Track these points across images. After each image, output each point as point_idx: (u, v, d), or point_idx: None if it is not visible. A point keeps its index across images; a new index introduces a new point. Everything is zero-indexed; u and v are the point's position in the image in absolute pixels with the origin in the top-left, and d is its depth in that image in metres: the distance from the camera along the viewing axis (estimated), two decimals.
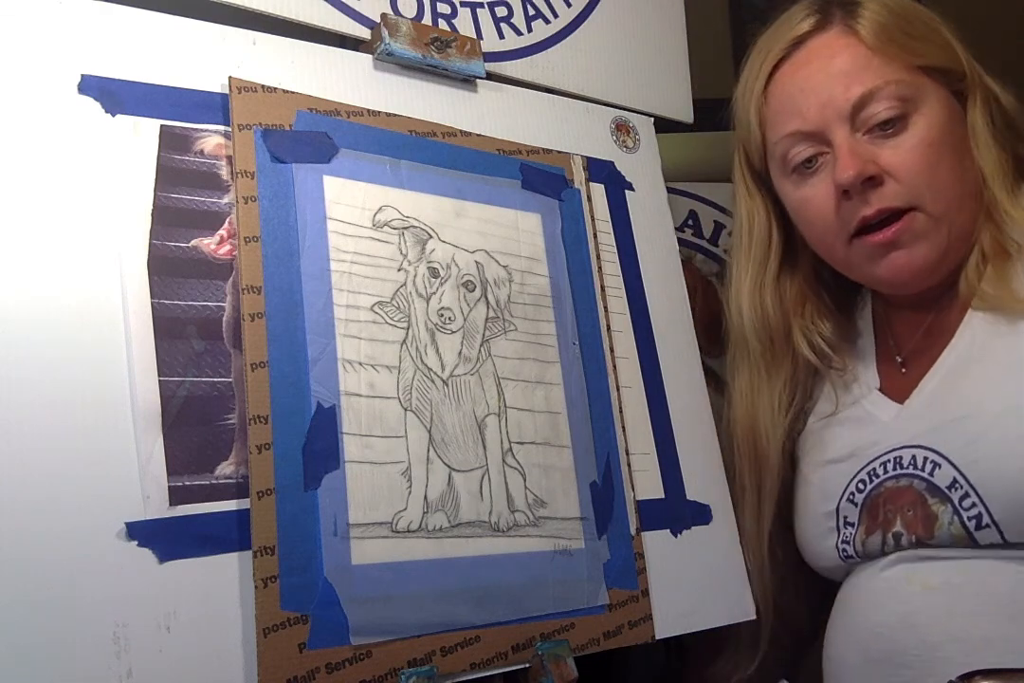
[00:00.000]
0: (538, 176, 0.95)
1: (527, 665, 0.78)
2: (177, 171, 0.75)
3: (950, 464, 0.83)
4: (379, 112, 0.87)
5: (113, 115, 0.74)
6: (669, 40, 1.14)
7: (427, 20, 0.94)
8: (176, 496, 0.68)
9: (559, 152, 0.98)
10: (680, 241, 1.11)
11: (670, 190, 1.10)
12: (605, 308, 0.95)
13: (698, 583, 0.92)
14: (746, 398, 1.01)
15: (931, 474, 0.84)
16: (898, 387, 0.93)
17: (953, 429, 0.84)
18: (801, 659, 1.07)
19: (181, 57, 0.78)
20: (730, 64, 1.76)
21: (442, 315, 0.83)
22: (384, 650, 0.71)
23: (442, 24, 0.95)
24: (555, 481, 0.85)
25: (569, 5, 1.06)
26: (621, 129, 1.06)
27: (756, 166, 0.99)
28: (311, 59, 0.85)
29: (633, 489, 0.90)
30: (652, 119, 1.10)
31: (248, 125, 0.78)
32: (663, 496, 0.93)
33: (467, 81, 0.95)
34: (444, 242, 0.86)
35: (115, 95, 0.74)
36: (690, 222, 1.39)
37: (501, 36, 1.00)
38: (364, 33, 0.89)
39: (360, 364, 0.77)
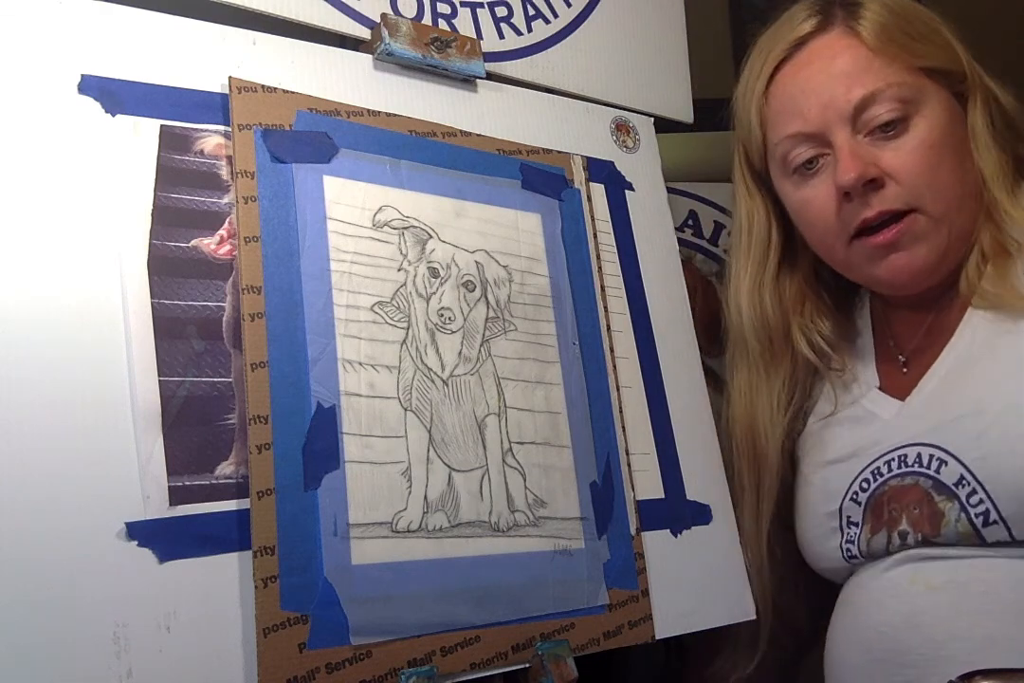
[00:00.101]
0: (538, 176, 0.95)
1: (527, 665, 0.78)
2: (177, 171, 0.75)
3: (957, 461, 0.83)
4: (379, 112, 0.87)
5: (113, 115, 0.74)
6: (669, 40, 1.14)
7: (427, 20, 0.94)
8: (176, 496, 0.68)
9: (559, 152, 0.98)
10: (680, 241, 1.11)
11: (670, 190, 1.10)
12: (605, 308, 0.95)
13: (698, 583, 0.92)
14: (745, 397, 1.01)
15: (937, 471, 0.84)
16: (898, 386, 0.93)
17: (958, 426, 0.84)
18: (801, 659, 1.07)
19: (181, 57, 0.78)
20: (730, 64, 1.76)
21: (442, 315, 0.83)
22: (384, 650, 0.71)
23: (442, 24, 0.95)
24: (555, 481, 0.85)
25: (569, 5, 1.06)
26: (621, 129, 1.06)
27: (756, 166, 0.99)
28: (311, 59, 0.85)
29: (633, 489, 0.90)
30: (652, 119, 1.10)
31: (248, 125, 0.78)
32: (663, 496, 0.93)
33: (467, 81, 0.95)
34: (444, 242, 0.86)
35: (115, 95, 0.74)
36: (690, 222, 1.39)
37: (501, 36, 1.00)
38: (364, 33, 0.89)
39: (360, 364, 0.77)
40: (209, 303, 0.74)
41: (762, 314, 0.99)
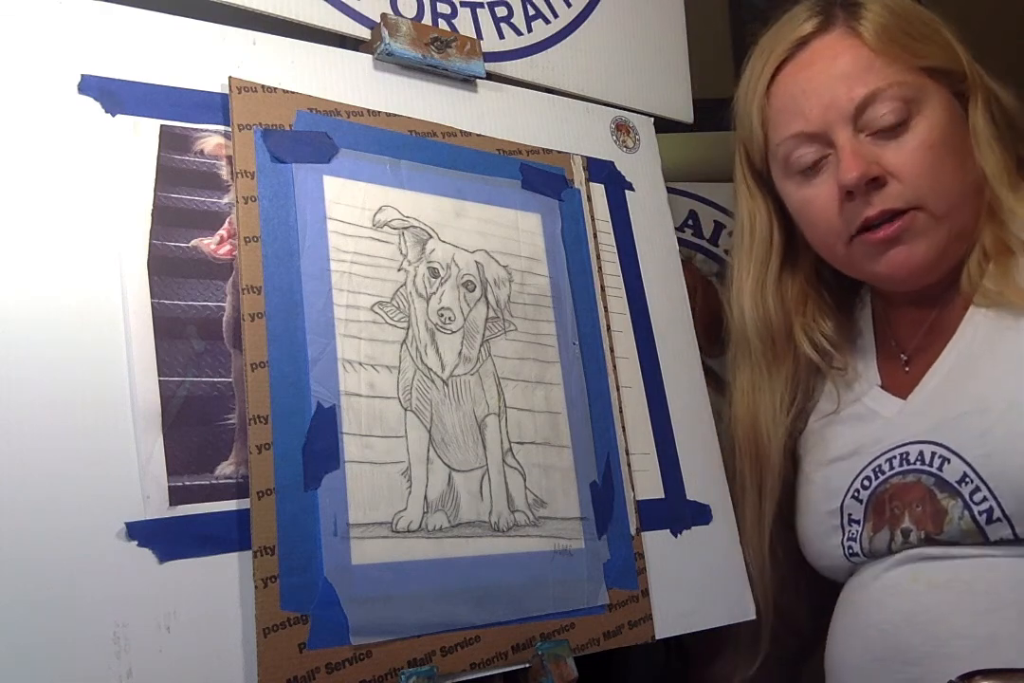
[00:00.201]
0: (538, 176, 0.95)
1: (527, 665, 0.78)
2: (177, 171, 0.75)
3: (960, 459, 0.83)
4: (379, 112, 0.87)
5: (113, 115, 0.74)
6: (669, 40, 1.14)
7: (427, 20, 0.94)
8: (176, 496, 0.68)
9: (559, 152, 0.98)
10: (680, 241, 1.11)
11: (670, 190, 1.10)
12: (605, 308, 0.95)
13: (698, 583, 0.92)
14: (747, 397, 1.01)
15: (940, 469, 0.84)
16: (900, 384, 0.94)
17: (961, 424, 0.84)
18: (803, 659, 1.07)
19: (181, 57, 0.78)
20: (730, 64, 1.76)
21: (442, 315, 0.83)
22: (384, 650, 0.71)
23: (442, 24, 0.95)
24: (555, 481, 0.85)
25: (569, 5, 1.06)
26: (621, 129, 1.06)
27: (757, 166, 0.99)
28: (311, 59, 0.85)
29: (633, 489, 0.90)
30: (652, 119, 1.10)
31: (248, 125, 0.78)
32: (663, 496, 0.93)
33: (467, 81, 0.95)
34: (444, 242, 0.86)
35: (115, 95, 0.74)
36: (690, 222, 1.39)
37: (501, 36, 1.00)
38: (364, 33, 0.89)
39: (360, 364, 0.77)
40: (209, 303, 0.74)
41: (764, 314, 0.99)
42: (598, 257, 0.97)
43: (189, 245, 0.74)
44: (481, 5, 0.99)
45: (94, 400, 0.67)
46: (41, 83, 0.71)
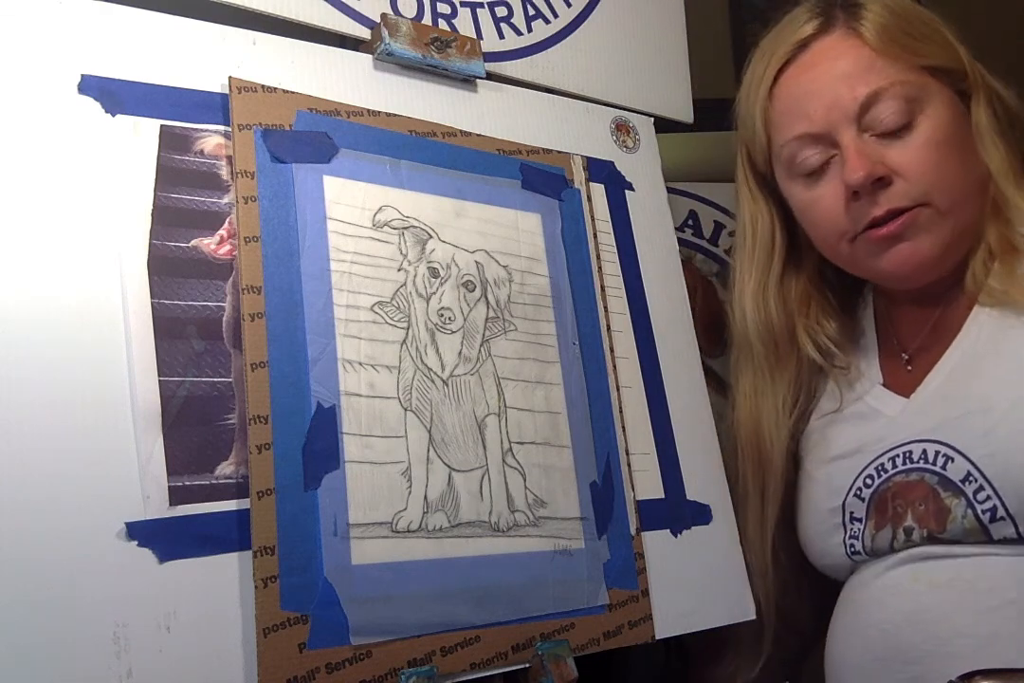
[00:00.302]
0: (538, 176, 0.95)
1: (527, 665, 0.78)
2: (177, 171, 0.75)
3: (964, 458, 0.83)
4: (379, 112, 0.87)
5: (113, 115, 0.74)
6: (669, 40, 1.14)
7: (427, 20, 0.94)
8: (176, 496, 0.68)
9: (559, 152, 0.98)
10: (680, 241, 1.11)
11: (670, 190, 1.10)
12: (605, 308, 0.95)
13: (698, 583, 0.92)
14: (749, 401, 1.01)
15: (944, 468, 0.84)
16: (902, 383, 0.94)
17: (965, 423, 0.84)
18: (804, 659, 1.07)
19: (181, 57, 0.78)
20: (730, 64, 1.76)
21: (442, 315, 0.83)
22: (384, 650, 0.71)
23: (442, 24, 0.95)
24: (555, 481, 0.85)
25: (569, 5, 1.06)
26: (621, 129, 1.06)
27: (760, 168, 0.99)
28: (311, 59, 0.85)
29: (633, 489, 0.90)
30: (652, 119, 1.10)
31: (248, 125, 0.78)
32: (663, 496, 0.93)
33: (467, 81, 0.95)
34: (444, 242, 0.86)
35: (115, 95, 0.74)
36: (690, 222, 1.39)
37: (501, 36, 1.00)
38: (364, 33, 0.89)
39: (360, 364, 0.77)
40: (209, 303, 0.74)
41: (766, 317, 0.99)
42: (598, 257, 0.97)
43: (189, 245, 0.74)
44: (481, 5, 0.99)
45: (94, 400, 0.67)
46: (41, 83, 0.71)
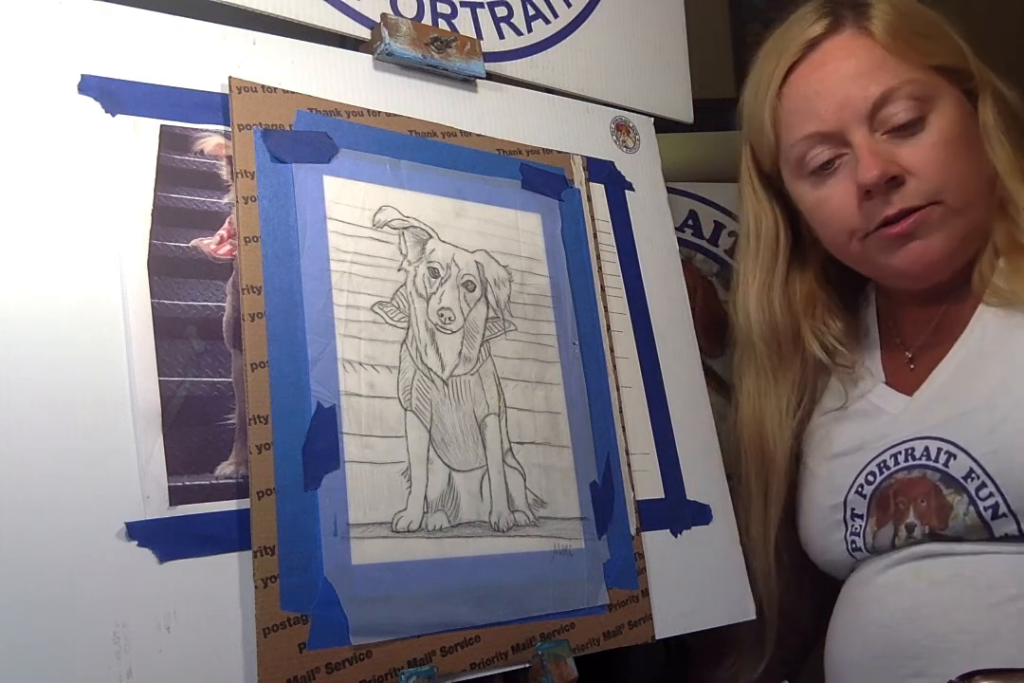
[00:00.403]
0: (538, 176, 0.95)
1: (527, 665, 0.78)
2: (177, 171, 0.75)
3: (966, 455, 0.83)
4: (379, 112, 0.87)
5: (113, 115, 0.74)
6: (669, 40, 1.14)
7: (427, 20, 0.94)
8: (176, 496, 0.68)
9: (559, 152, 0.98)
10: (680, 241, 1.11)
11: (670, 190, 1.10)
12: (605, 308, 0.95)
13: (698, 583, 0.92)
14: (753, 401, 1.01)
15: (946, 465, 0.84)
16: (905, 381, 0.94)
17: (969, 420, 0.84)
18: (804, 658, 1.07)
19: (181, 57, 0.78)
20: (730, 64, 1.76)
21: (442, 315, 0.83)
22: (384, 650, 0.71)
23: (442, 24, 0.95)
24: (555, 481, 0.85)
25: (569, 5, 1.06)
26: (621, 129, 1.06)
27: (766, 168, 0.99)
28: (311, 59, 0.85)
29: (633, 489, 0.90)
30: (652, 119, 1.10)
31: (248, 125, 0.78)
32: (663, 496, 0.93)
33: (467, 81, 0.95)
34: (444, 242, 0.86)
35: (115, 95, 0.74)
36: (690, 222, 1.39)
37: (501, 36, 1.00)
38: (364, 33, 0.89)
39: (360, 364, 0.77)
40: (209, 303, 0.74)
41: (770, 318, 0.99)
42: (598, 257, 0.97)
43: (189, 245, 0.74)
44: (481, 5, 0.99)
45: (94, 400, 0.67)
46: (41, 83, 0.71)
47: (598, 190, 1.01)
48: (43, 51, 0.72)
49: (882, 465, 0.90)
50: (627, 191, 1.04)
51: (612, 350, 0.94)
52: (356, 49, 0.90)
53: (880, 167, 0.86)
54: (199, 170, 0.76)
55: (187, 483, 0.68)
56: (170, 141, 0.75)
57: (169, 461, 0.68)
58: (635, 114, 1.08)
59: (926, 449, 0.87)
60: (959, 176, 0.88)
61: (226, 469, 0.70)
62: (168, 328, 0.71)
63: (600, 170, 1.02)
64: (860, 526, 0.90)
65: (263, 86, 0.80)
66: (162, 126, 0.75)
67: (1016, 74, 0.95)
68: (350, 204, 0.82)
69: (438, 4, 0.95)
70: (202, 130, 0.77)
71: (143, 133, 0.75)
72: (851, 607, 0.91)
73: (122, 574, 0.64)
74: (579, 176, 0.98)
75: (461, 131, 0.92)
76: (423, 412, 0.80)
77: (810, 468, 0.99)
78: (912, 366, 0.95)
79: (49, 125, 0.71)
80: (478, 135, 0.93)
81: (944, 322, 0.93)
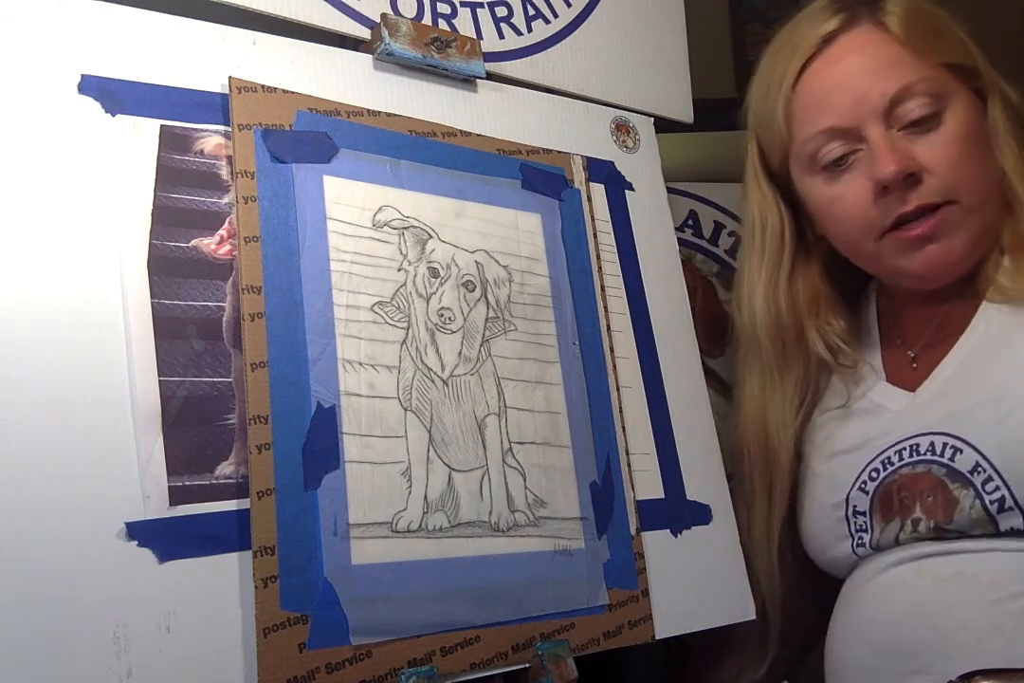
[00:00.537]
0: (538, 176, 0.95)
1: (527, 665, 0.78)
2: (177, 171, 0.75)
3: (972, 448, 0.83)
4: (379, 112, 0.87)
5: (113, 115, 0.74)
6: (669, 40, 1.14)
7: (427, 20, 0.94)
8: (176, 496, 0.68)
9: (559, 152, 0.98)
10: (680, 241, 1.11)
11: (670, 190, 1.10)
12: (605, 308, 0.95)
13: (698, 583, 0.92)
14: (757, 400, 1.01)
15: (952, 459, 0.85)
16: (907, 378, 0.94)
17: (975, 415, 0.84)
18: (803, 657, 1.07)
19: (181, 57, 0.78)
20: (730, 64, 1.76)
21: (442, 315, 0.83)
22: (384, 650, 0.71)
23: (442, 24, 0.95)
24: (555, 481, 0.85)
25: (569, 5, 1.06)
26: (621, 129, 1.06)
27: (774, 165, 0.99)
28: (311, 59, 0.85)
29: (633, 489, 0.90)
30: (652, 119, 1.10)
31: (248, 125, 0.78)
32: (663, 496, 0.93)
33: (467, 81, 0.95)
34: (444, 242, 0.86)
35: (115, 95, 0.74)
36: (690, 222, 1.39)
37: (501, 36, 1.00)
38: (364, 33, 0.89)
39: (360, 364, 0.77)
40: (209, 303, 0.74)
41: (776, 316, 0.99)
42: (598, 257, 0.97)
43: (189, 245, 0.74)
44: (481, 5, 0.99)
45: (94, 400, 0.67)
46: (41, 83, 0.71)
47: (598, 190, 1.01)
48: (43, 51, 0.72)
49: (886, 461, 0.90)
50: (627, 191, 1.04)
51: (612, 350, 0.94)
52: (356, 49, 0.90)
53: (899, 163, 0.86)
54: (199, 170, 0.76)
55: (187, 483, 0.68)
56: (170, 141, 0.75)
57: (169, 461, 0.68)
58: (635, 114, 1.08)
59: (931, 444, 0.87)
60: (973, 175, 0.89)
61: (226, 469, 0.70)
62: (168, 328, 0.71)
63: (600, 170, 1.02)
64: (864, 523, 0.90)
65: (263, 86, 0.80)
66: (162, 126, 0.75)
67: (1016, 74, 0.95)
68: (350, 204, 0.82)
69: (438, 4, 0.95)
70: (202, 130, 0.77)
71: (143, 133, 0.75)
72: (852, 605, 0.91)
73: (122, 574, 0.64)
74: (579, 176, 0.98)
75: (461, 131, 0.92)
76: (423, 412, 0.80)
77: (811, 467, 0.99)
78: (914, 365, 0.95)
79: (49, 125, 0.71)
80: (478, 135, 0.93)
81: (947, 321, 0.93)
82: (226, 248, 0.76)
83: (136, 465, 0.67)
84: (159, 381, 0.70)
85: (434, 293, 0.84)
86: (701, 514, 0.95)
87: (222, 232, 0.76)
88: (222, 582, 0.68)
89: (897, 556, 0.87)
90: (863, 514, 0.91)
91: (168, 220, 0.74)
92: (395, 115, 0.88)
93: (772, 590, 0.98)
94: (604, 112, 1.06)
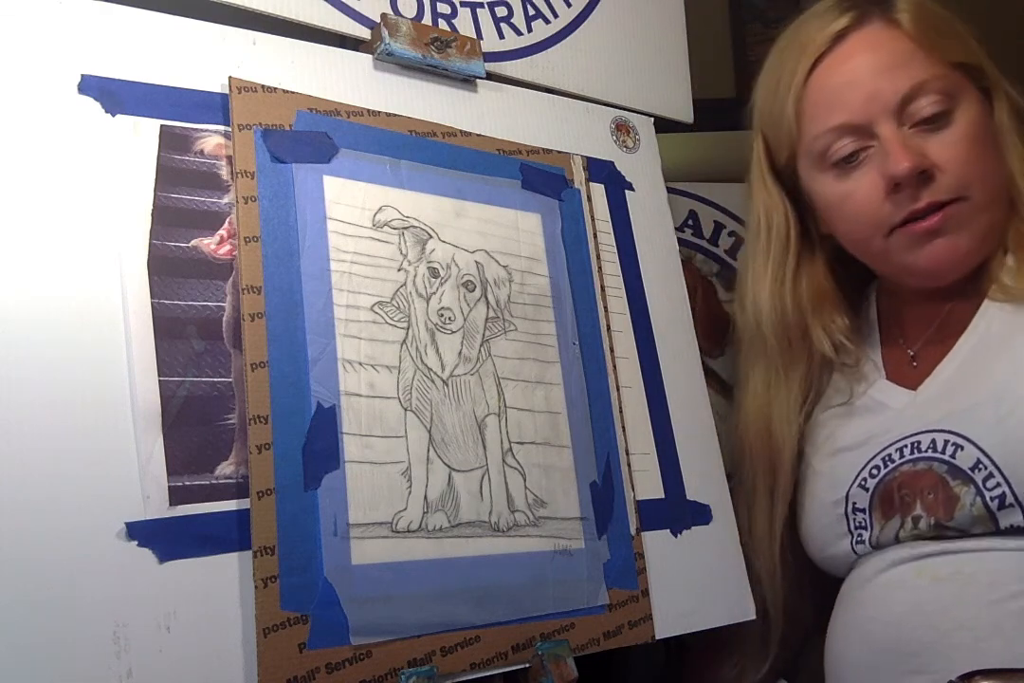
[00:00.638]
0: (538, 176, 0.95)
1: (527, 665, 0.78)
2: (177, 171, 0.75)
3: (973, 445, 0.83)
4: (379, 112, 0.87)
5: (113, 115, 0.74)
6: (669, 40, 1.14)
7: (427, 20, 0.94)
8: (176, 496, 0.68)
9: (559, 152, 0.98)
10: (680, 241, 1.11)
11: (670, 190, 1.10)
12: (605, 308, 0.95)
13: (698, 583, 0.92)
14: (760, 398, 1.01)
15: (953, 456, 0.85)
16: (907, 377, 0.94)
17: (976, 412, 0.85)
18: (801, 657, 1.07)
19: (181, 57, 0.78)
20: (730, 64, 1.75)
21: (442, 315, 0.83)
22: (384, 650, 0.71)
23: (442, 24, 0.95)
24: (555, 481, 0.85)
25: (569, 5, 1.06)
26: (621, 129, 1.06)
27: (779, 162, 0.99)
28: (311, 59, 0.85)
29: (633, 489, 0.90)
30: (652, 119, 1.10)
31: (248, 125, 0.78)
32: (663, 496, 0.93)
33: (467, 81, 0.95)
34: (444, 242, 0.86)
35: (115, 95, 0.74)
36: (690, 222, 1.39)
37: (501, 36, 1.00)
38: (364, 33, 0.89)
39: (360, 364, 0.77)
40: (209, 303, 0.74)
41: (782, 314, 0.99)
42: (598, 257, 0.97)
43: (189, 245, 0.74)
44: (481, 5, 0.99)
45: (94, 400, 0.67)
46: (41, 83, 0.71)
47: (598, 190, 1.01)
48: (43, 51, 0.72)
49: (887, 459, 0.90)
50: (627, 191, 1.04)
51: (612, 350, 0.94)
52: (356, 49, 0.90)
53: (912, 160, 0.86)
54: (199, 170, 0.76)
55: (187, 483, 0.68)
56: (170, 141, 0.75)
57: (169, 461, 0.68)
58: (635, 114, 1.08)
59: (932, 441, 0.87)
60: (983, 173, 0.89)
61: (226, 469, 0.70)
62: (168, 328, 0.71)
63: (600, 170, 1.02)
64: (863, 520, 0.90)
65: (263, 86, 0.80)
66: (162, 126, 0.75)
67: (1017, 74, 0.95)
68: (350, 204, 0.82)
69: (438, 4, 0.95)
70: (202, 130, 0.77)
71: (143, 133, 0.75)
72: (851, 605, 0.91)
73: (122, 574, 0.64)
74: (579, 176, 0.98)
75: (461, 131, 0.92)
76: (423, 412, 0.80)
77: (812, 465, 0.99)
78: (915, 363, 0.95)
79: (49, 125, 0.71)
80: (478, 135, 0.93)
81: (948, 320, 0.93)
82: (226, 248, 0.76)
83: (136, 465, 0.67)
84: (159, 381, 0.70)
85: (434, 293, 0.84)
86: (701, 514, 0.95)
87: (222, 232, 0.76)
88: (222, 582, 0.68)
89: (897, 555, 0.87)
90: (863, 511, 0.91)
91: (168, 220, 0.74)
92: (395, 115, 0.88)
93: (774, 590, 0.98)
94: (604, 112, 1.06)
